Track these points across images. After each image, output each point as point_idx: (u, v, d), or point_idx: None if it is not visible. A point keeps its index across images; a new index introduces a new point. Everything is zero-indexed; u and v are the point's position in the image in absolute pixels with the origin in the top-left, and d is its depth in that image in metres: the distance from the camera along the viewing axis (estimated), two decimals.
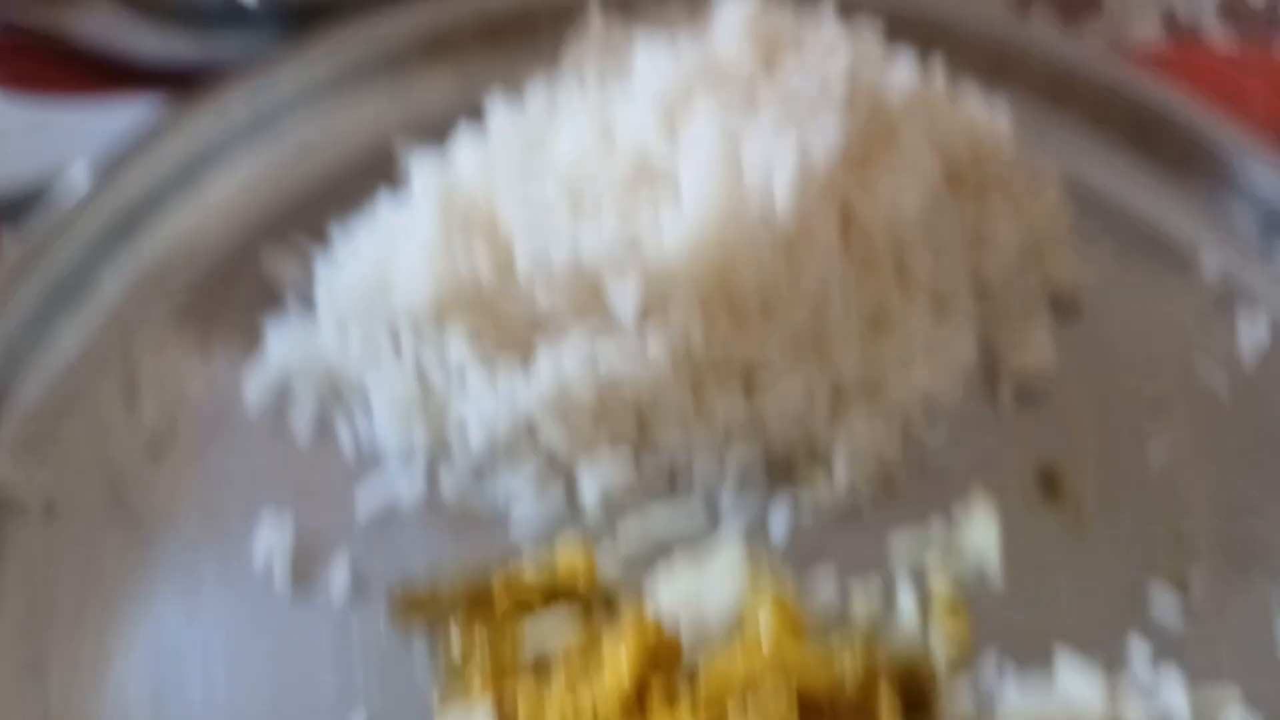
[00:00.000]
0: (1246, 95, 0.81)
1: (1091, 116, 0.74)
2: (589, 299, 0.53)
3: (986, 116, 0.63)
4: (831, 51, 0.57)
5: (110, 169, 0.61)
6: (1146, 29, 0.87)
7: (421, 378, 0.56)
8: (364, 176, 0.66)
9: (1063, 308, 0.66)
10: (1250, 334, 0.66)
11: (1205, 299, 0.68)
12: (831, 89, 0.55)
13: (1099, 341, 0.66)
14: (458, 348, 0.55)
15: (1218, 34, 0.87)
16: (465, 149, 0.57)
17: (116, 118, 0.69)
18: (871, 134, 0.57)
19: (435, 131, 0.67)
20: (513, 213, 0.53)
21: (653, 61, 0.56)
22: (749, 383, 0.56)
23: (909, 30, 0.72)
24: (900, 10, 0.73)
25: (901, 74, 0.58)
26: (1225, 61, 0.85)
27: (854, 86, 0.57)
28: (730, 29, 0.57)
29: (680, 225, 0.50)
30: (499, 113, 0.62)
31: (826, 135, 0.53)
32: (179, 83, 0.71)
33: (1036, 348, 0.63)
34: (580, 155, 0.54)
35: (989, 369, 0.63)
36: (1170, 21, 0.88)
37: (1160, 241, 0.70)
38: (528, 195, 0.54)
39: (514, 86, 0.69)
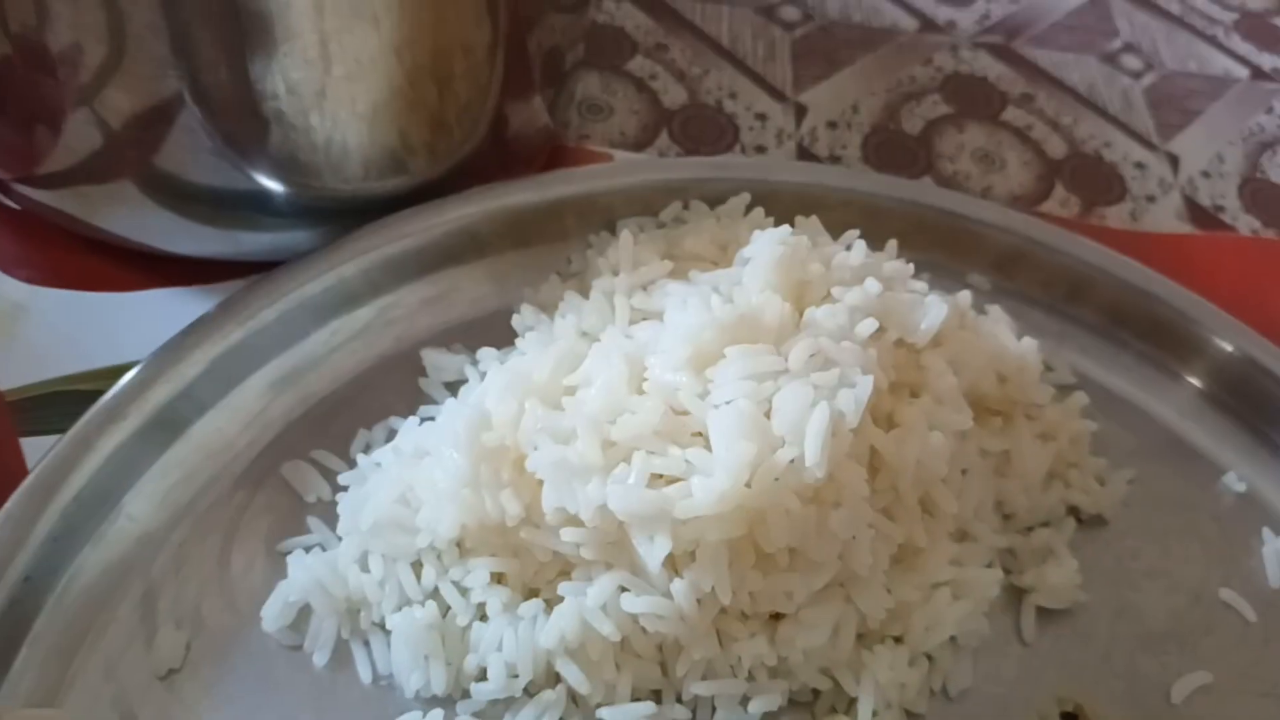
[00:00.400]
0: (1269, 292, 0.81)
1: (1110, 319, 0.74)
2: (616, 544, 0.53)
3: (1015, 343, 0.63)
4: (862, 292, 0.57)
5: (139, 378, 0.61)
6: (1169, 213, 0.88)
7: (441, 610, 0.55)
8: (392, 381, 0.66)
9: (1086, 519, 0.66)
10: (1276, 553, 0.65)
11: (1231, 514, 0.67)
12: (861, 334, 0.55)
13: (1123, 554, 0.65)
14: (480, 583, 0.55)
15: (1241, 218, 0.88)
16: (495, 382, 0.57)
17: (145, 311, 0.70)
18: (900, 373, 0.58)
19: (463, 333, 0.69)
20: (543, 458, 0.53)
21: (685, 312, 0.56)
22: (774, 626, 0.55)
23: (925, 226, 0.75)
24: (919, 207, 0.75)
25: (931, 310, 0.58)
26: (1248, 253, 0.85)
27: (883, 327, 0.57)
28: (758, 275, 0.57)
29: (711, 480, 0.50)
30: (529, 338, 0.63)
31: (856, 389, 0.53)
32: (209, 275, 0.72)
33: (1061, 575, 0.62)
34: (611, 400, 0.54)
35: (1012, 592, 0.62)
36: (1193, 205, 0.89)
37: (1184, 451, 0.70)
38: (557, 437, 0.53)
39: (541, 285, 0.71)
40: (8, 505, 0.55)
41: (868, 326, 0.56)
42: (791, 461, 0.51)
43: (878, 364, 0.55)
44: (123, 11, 0.58)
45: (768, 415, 0.52)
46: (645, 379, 0.56)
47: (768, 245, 0.59)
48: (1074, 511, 0.66)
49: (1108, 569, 0.64)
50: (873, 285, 0.57)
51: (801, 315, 0.58)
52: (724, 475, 0.50)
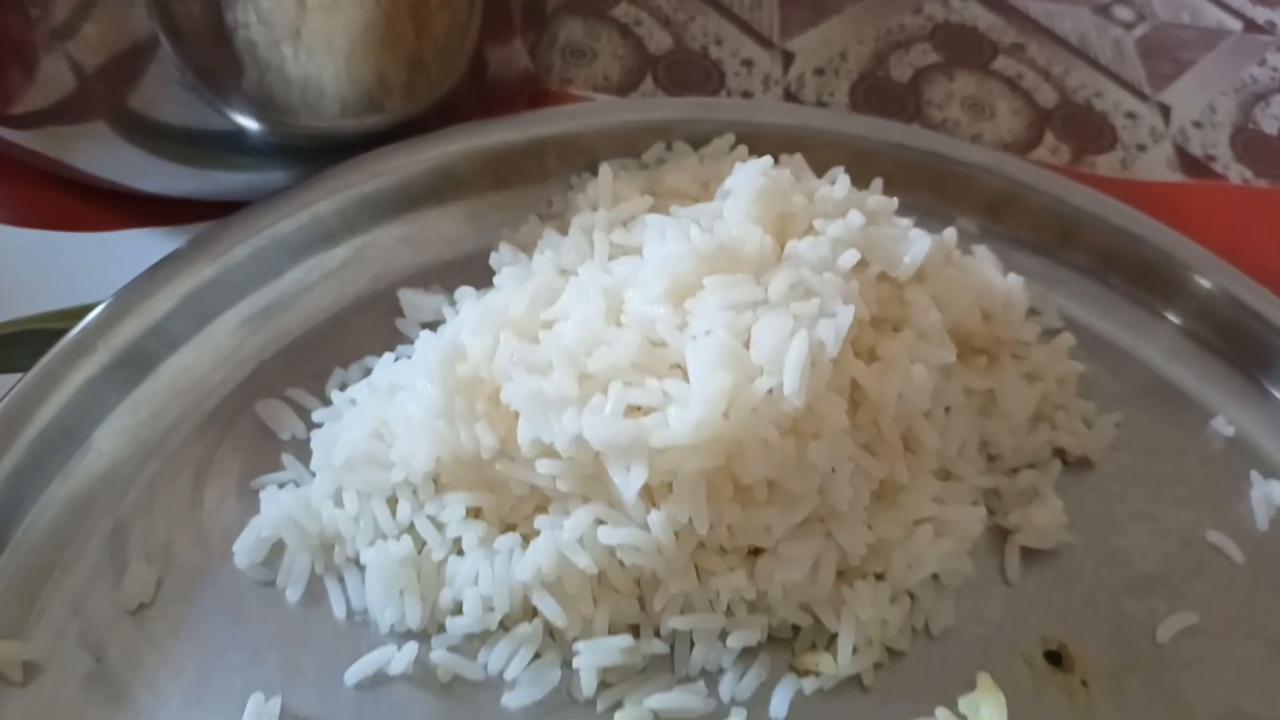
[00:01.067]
0: (1260, 240, 0.80)
1: (1100, 262, 0.73)
2: (592, 477, 0.52)
3: (1002, 280, 0.62)
4: (844, 225, 0.56)
5: (107, 313, 0.60)
6: (1160, 162, 0.87)
7: (416, 546, 0.55)
8: (367, 321, 0.65)
9: (1072, 462, 0.65)
10: (1264, 496, 0.65)
11: (1219, 458, 0.66)
12: (842, 266, 0.54)
13: (1109, 498, 0.64)
14: (456, 518, 0.54)
15: (1233, 167, 0.87)
16: (471, 316, 0.56)
17: (118, 251, 0.69)
18: (883, 307, 0.56)
19: (440, 274, 0.67)
20: (518, 389, 0.52)
21: (663, 244, 0.55)
22: (753, 561, 0.54)
23: (913, 168, 0.73)
24: (906, 150, 0.74)
25: (915, 244, 0.57)
26: (1239, 201, 0.84)
27: (866, 259, 0.56)
28: (739, 207, 0.56)
29: (687, 410, 0.49)
30: (506, 273, 0.62)
31: (837, 319, 0.52)
32: (181, 216, 0.71)
33: (1046, 515, 0.61)
34: (588, 333, 0.53)
35: (996, 533, 0.62)
36: (1184, 154, 0.88)
37: (1172, 394, 0.69)
38: (533, 369, 0.52)
39: (520, 225, 0.69)
40: None
41: (849, 258, 0.55)
42: (770, 391, 0.50)
43: (859, 296, 0.54)
44: None
45: (746, 346, 0.51)
46: (623, 312, 0.55)
47: (749, 177, 0.58)
48: (1060, 454, 0.65)
49: (1094, 512, 0.64)
50: (855, 218, 0.56)
51: (783, 248, 0.57)
52: (701, 405, 0.49)
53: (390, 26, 0.65)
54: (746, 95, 0.87)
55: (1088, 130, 0.88)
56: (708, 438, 0.49)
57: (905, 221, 0.61)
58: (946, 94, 0.89)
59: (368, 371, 0.62)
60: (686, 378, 0.51)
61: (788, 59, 0.90)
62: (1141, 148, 0.88)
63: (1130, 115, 0.90)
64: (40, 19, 0.63)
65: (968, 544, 0.59)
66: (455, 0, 0.68)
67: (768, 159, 0.61)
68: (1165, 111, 0.91)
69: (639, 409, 0.51)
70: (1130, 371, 0.70)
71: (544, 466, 0.51)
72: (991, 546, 0.61)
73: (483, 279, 0.65)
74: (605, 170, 0.66)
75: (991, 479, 0.62)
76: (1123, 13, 1.00)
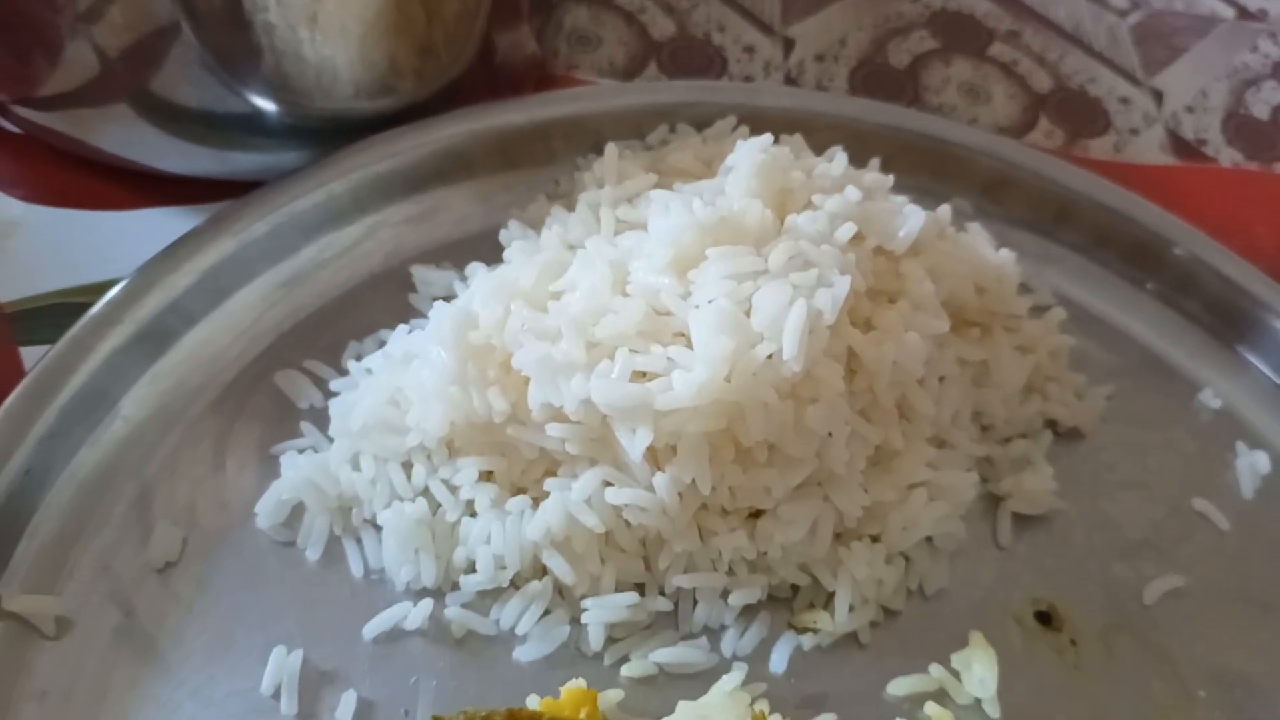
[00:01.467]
0: (1251, 221, 0.82)
1: (1093, 241, 0.75)
2: (599, 440, 0.54)
3: (994, 255, 0.64)
4: (842, 200, 0.58)
5: (131, 287, 0.62)
6: (1152, 146, 0.89)
7: (431, 508, 0.57)
8: (380, 297, 0.68)
9: (1063, 432, 0.67)
10: (1250, 466, 0.67)
11: (1206, 428, 0.69)
12: (840, 239, 0.57)
13: (1099, 467, 0.67)
14: (469, 481, 0.56)
15: (1224, 151, 0.89)
16: (482, 287, 0.58)
17: (137, 229, 0.71)
18: (879, 279, 0.59)
19: (451, 251, 0.69)
20: (528, 356, 0.54)
21: (666, 216, 0.57)
22: (753, 522, 0.56)
23: (911, 150, 0.76)
24: (903, 132, 0.76)
25: (910, 219, 0.60)
26: (1230, 184, 0.86)
27: (862, 233, 0.58)
28: (740, 181, 0.58)
29: (691, 374, 0.51)
30: (516, 248, 0.64)
31: (834, 289, 0.54)
32: (199, 195, 0.73)
33: (1037, 481, 0.63)
34: (595, 303, 0.55)
35: (989, 499, 0.64)
36: (1176, 138, 0.89)
37: (1161, 368, 0.71)
38: (542, 337, 0.55)
39: (529, 205, 0.72)
40: (7, 403, 0.57)
41: (846, 231, 0.57)
42: (769, 356, 0.52)
43: (856, 268, 0.56)
44: None
45: (748, 314, 0.53)
46: (628, 282, 0.57)
47: (750, 153, 0.60)
48: (1052, 425, 0.67)
49: (1085, 480, 0.66)
50: (853, 193, 0.58)
51: (782, 222, 0.59)
52: (703, 369, 0.52)
53: (402, 12, 0.67)
54: (748, 80, 0.89)
55: (1081, 114, 0.90)
56: (710, 401, 0.51)
57: (901, 198, 0.63)
58: (944, 79, 0.91)
59: (382, 344, 0.64)
60: (690, 344, 0.54)
61: (788, 45, 0.92)
62: (1134, 132, 0.90)
63: (1124, 100, 0.92)
64: (65, 4, 0.65)
65: (961, 509, 0.61)
66: None
67: (768, 137, 0.63)
68: (1158, 96, 0.93)
69: (644, 374, 0.53)
70: (1121, 346, 0.72)
71: (554, 430, 0.54)
72: (984, 512, 0.64)
73: (492, 256, 0.67)
74: (611, 149, 0.68)
75: (984, 447, 0.65)
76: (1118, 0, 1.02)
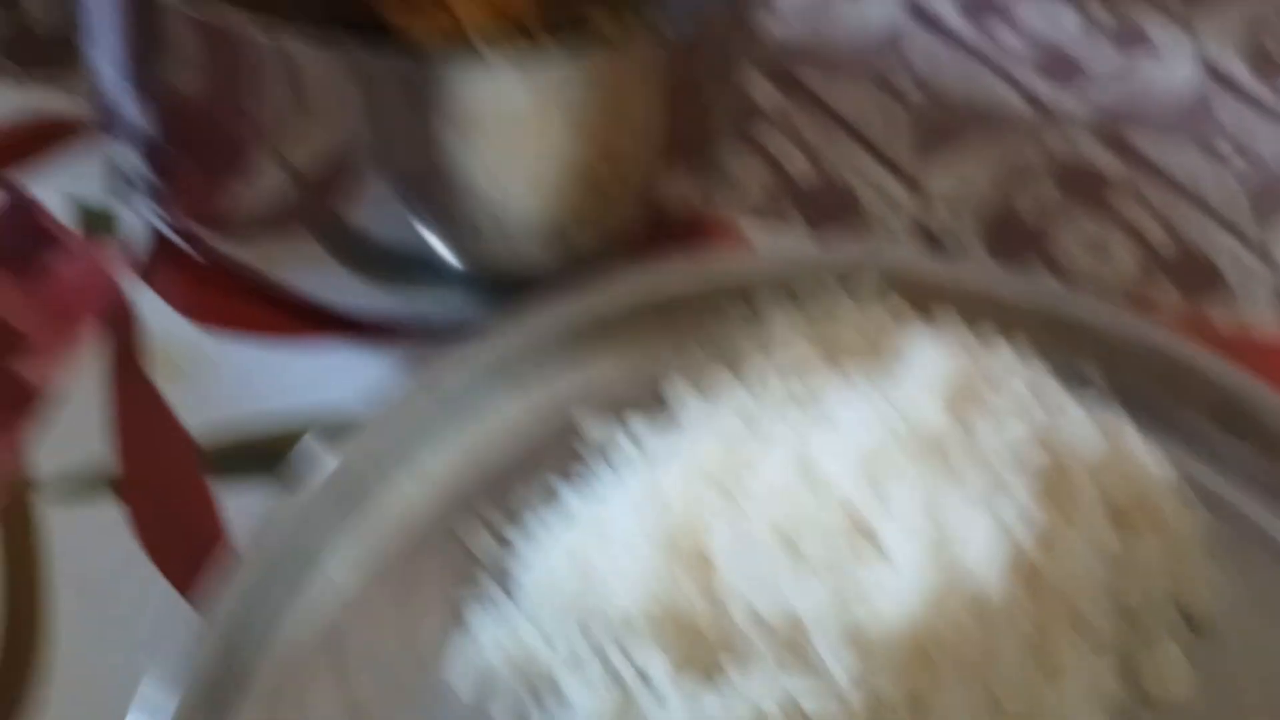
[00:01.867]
0: None
1: (1213, 421, 0.78)
2: (795, 645, 0.57)
3: (1149, 458, 0.67)
4: (1020, 409, 0.61)
5: (338, 443, 0.65)
6: (1268, 309, 0.91)
7: (621, 687, 0.59)
8: (553, 457, 0.70)
9: (1197, 626, 0.70)
10: None
11: None
12: (1022, 454, 0.60)
13: (1230, 660, 0.68)
14: (660, 666, 0.59)
15: None
16: (670, 467, 0.61)
17: (322, 363, 0.74)
18: (1053, 491, 0.62)
19: (612, 401, 0.72)
20: (724, 552, 0.57)
21: (849, 412, 0.60)
22: None
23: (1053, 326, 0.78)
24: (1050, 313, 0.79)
25: (1080, 429, 0.63)
26: None
27: (1041, 447, 0.61)
28: (922, 387, 0.61)
29: (894, 593, 0.54)
30: (690, 412, 0.67)
31: (1023, 509, 0.57)
32: (377, 332, 0.76)
33: (1176, 673, 0.66)
34: (786, 495, 0.58)
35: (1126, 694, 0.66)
36: None
37: None
38: (737, 532, 0.57)
39: (686, 359, 0.74)
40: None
41: (1030, 443, 0.60)
42: (966, 583, 0.55)
43: (1042, 493, 0.59)
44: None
45: (947, 539, 0.56)
46: (817, 479, 0.60)
47: (931, 357, 0.63)
48: (1184, 614, 0.69)
49: (1218, 675, 0.67)
50: (1040, 414, 0.61)
51: (962, 424, 0.62)
52: (908, 584, 0.54)
53: (591, 165, 0.70)
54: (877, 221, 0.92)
55: (1200, 276, 0.93)
56: (913, 616, 0.54)
57: (1068, 400, 0.66)
58: (1067, 232, 0.94)
59: (549, 491, 0.67)
60: (886, 557, 0.57)
61: (913, 184, 0.96)
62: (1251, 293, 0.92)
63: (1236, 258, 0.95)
64: (256, 136, 0.68)
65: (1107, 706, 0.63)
66: (646, 145, 0.73)
67: (943, 334, 0.66)
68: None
69: (845, 591, 0.56)
70: (1253, 532, 0.74)
71: (754, 634, 0.56)
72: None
73: (650, 405, 0.70)
74: (776, 319, 0.71)
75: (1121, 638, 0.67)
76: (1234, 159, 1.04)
